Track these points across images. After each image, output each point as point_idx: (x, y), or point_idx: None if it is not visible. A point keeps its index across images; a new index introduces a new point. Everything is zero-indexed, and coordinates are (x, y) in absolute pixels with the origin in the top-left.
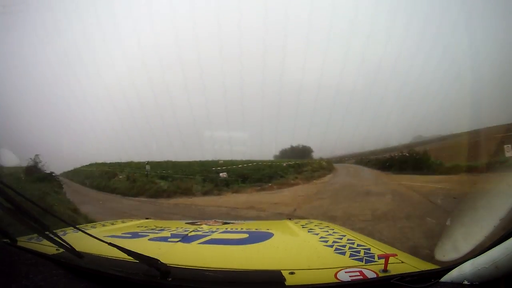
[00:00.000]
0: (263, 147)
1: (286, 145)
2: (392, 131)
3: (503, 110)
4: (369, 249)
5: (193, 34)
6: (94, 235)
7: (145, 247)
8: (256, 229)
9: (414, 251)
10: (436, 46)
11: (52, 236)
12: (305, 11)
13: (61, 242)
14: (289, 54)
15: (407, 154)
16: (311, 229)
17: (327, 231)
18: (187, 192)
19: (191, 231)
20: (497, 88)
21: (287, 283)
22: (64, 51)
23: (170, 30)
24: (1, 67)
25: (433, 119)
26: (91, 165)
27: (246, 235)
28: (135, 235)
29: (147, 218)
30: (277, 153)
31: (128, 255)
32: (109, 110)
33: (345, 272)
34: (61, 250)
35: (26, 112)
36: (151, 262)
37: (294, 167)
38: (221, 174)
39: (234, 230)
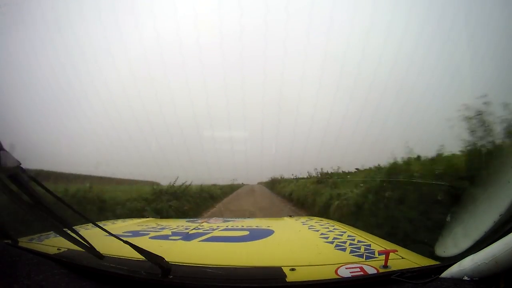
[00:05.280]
0: None
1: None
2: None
3: None
4: (369, 245)
5: (195, 32)
6: (112, 233)
7: (146, 245)
8: (257, 226)
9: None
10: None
11: (72, 233)
12: (306, 11)
13: (81, 240)
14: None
15: None
16: (311, 225)
17: (328, 228)
18: None
19: (192, 229)
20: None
21: (288, 279)
22: (65, 50)
23: (172, 28)
24: (1, 66)
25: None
26: None
27: (246, 233)
28: (136, 233)
29: (147, 217)
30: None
31: (139, 252)
32: (110, 110)
33: (346, 268)
34: (63, 249)
35: (26, 112)
36: (156, 260)
37: None
38: None
39: (234, 227)
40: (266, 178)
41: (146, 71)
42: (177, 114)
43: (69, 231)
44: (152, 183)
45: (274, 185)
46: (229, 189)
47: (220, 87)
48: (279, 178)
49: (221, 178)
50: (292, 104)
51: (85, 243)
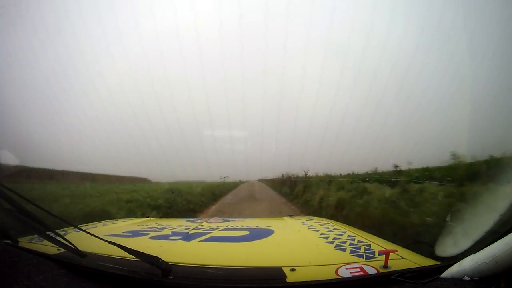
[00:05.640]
0: None
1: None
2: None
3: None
4: (369, 245)
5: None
6: (95, 234)
7: (146, 245)
8: (257, 226)
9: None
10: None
11: (54, 236)
12: (306, 10)
13: (63, 242)
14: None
15: None
16: (311, 225)
17: (328, 228)
18: None
19: (192, 229)
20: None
21: (288, 279)
22: (64, 48)
23: (171, 26)
24: (2, 66)
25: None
26: None
27: (246, 233)
28: (136, 233)
29: (147, 217)
30: None
31: (129, 253)
32: (110, 109)
33: (346, 268)
34: (62, 250)
35: (26, 112)
36: (152, 260)
37: None
38: None
39: (234, 227)
40: (268, 174)
41: (145, 68)
42: (176, 108)
43: (51, 234)
44: (140, 180)
45: (295, 192)
46: (208, 198)
47: (219, 81)
48: (304, 176)
49: (217, 175)
50: (293, 99)
51: (68, 244)
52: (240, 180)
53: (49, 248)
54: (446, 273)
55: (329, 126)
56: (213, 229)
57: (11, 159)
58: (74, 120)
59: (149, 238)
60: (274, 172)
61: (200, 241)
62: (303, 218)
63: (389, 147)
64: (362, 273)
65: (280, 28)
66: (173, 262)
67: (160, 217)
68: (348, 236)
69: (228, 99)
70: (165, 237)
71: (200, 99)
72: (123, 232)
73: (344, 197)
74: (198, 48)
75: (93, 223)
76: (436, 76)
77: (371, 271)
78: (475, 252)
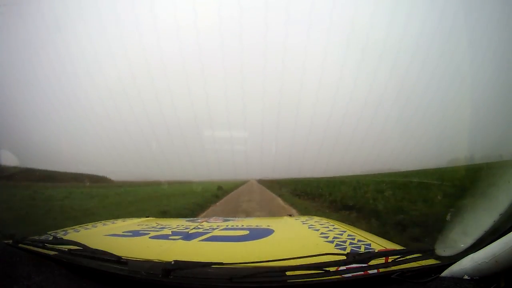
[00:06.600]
0: None
1: None
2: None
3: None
4: (369, 244)
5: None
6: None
7: (146, 245)
8: (257, 226)
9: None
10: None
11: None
12: (306, 9)
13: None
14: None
15: None
16: (311, 225)
17: (328, 227)
18: None
19: (192, 229)
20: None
21: (288, 279)
22: (66, 49)
23: (172, 28)
24: (2, 65)
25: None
26: None
27: (246, 232)
28: (136, 233)
29: (147, 217)
30: None
31: None
32: (110, 108)
33: (346, 267)
34: (63, 249)
35: (26, 111)
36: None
37: None
38: None
39: (234, 227)
40: (271, 173)
41: (145, 70)
42: (175, 105)
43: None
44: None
45: None
46: None
47: (219, 79)
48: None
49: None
50: (293, 97)
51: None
52: (222, 189)
53: (49, 248)
54: (446, 272)
55: (330, 125)
56: (213, 229)
57: (11, 160)
58: (76, 122)
59: (149, 237)
60: (275, 171)
61: (200, 240)
62: (303, 218)
63: (389, 148)
64: (362, 272)
65: (280, 26)
66: None
67: None
68: (348, 235)
69: (228, 97)
70: (165, 237)
71: (200, 96)
72: (123, 232)
73: None
74: (198, 46)
75: (93, 223)
76: (436, 76)
77: (371, 270)
78: (475, 251)
